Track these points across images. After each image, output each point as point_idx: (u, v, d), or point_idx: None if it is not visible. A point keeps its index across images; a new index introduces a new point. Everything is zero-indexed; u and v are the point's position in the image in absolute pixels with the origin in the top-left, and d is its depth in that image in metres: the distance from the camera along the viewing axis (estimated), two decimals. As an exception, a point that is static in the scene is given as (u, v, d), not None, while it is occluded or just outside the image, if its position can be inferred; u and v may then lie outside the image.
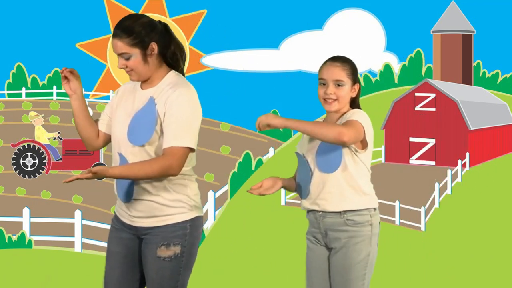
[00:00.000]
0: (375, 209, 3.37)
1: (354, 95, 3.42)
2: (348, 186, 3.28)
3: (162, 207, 3.13)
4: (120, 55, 3.10)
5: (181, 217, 3.15)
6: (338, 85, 3.37)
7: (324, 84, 3.39)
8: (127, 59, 3.08)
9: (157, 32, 3.16)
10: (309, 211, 3.40)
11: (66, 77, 3.24)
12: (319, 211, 3.35)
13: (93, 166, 16.47)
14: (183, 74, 3.22)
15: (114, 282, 3.22)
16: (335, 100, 3.36)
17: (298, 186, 3.43)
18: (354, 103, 3.46)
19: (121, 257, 3.24)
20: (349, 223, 3.29)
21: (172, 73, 3.17)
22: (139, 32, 3.12)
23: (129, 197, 3.17)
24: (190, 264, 3.18)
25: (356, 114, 3.26)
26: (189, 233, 3.15)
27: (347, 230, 3.31)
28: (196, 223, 3.18)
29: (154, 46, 3.14)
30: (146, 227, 3.16)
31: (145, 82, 3.15)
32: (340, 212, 3.29)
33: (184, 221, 3.15)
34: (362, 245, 3.31)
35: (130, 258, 3.22)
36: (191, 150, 3.05)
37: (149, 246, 3.14)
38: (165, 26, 3.24)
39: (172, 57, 3.18)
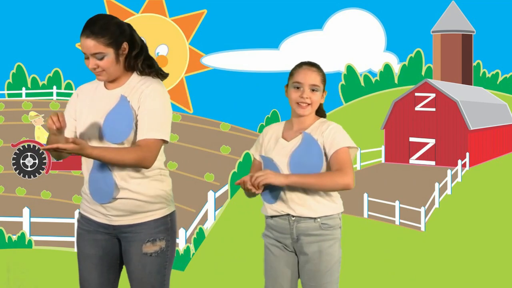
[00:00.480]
0: (341, 212, 3.47)
1: (322, 101, 3.46)
2: (324, 193, 3.30)
3: (143, 204, 3.13)
4: (93, 55, 3.09)
5: (162, 212, 3.18)
6: (313, 90, 3.39)
7: (298, 88, 3.39)
8: (101, 59, 3.08)
9: (127, 32, 3.23)
10: (276, 216, 3.37)
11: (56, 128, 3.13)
12: (294, 216, 3.33)
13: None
14: (156, 71, 3.27)
15: (93, 285, 3.20)
16: (309, 104, 3.37)
17: (266, 190, 3.40)
18: (319, 110, 3.49)
19: (97, 258, 3.21)
20: (323, 227, 3.30)
21: (136, 73, 3.21)
22: (114, 32, 3.16)
23: (107, 198, 3.13)
24: (173, 258, 3.21)
25: (337, 136, 3.26)
26: (170, 227, 3.19)
27: (321, 234, 3.32)
28: (174, 217, 3.22)
29: (125, 46, 3.19)
30: (127, 225, 3.14)
31: (109, 83, 3.15)
32: (315, 217, 3.31)
33: (165, 216, 3.19)
34: (335, 247, 3.33)
35: (106, 259, 3.20)
36: (164, 142, 3.08)
37: (132, 243, 3.13)
38: (129, 26, 3.31)
39: (136, 56, 3.22)
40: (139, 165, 3.03)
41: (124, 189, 3.12)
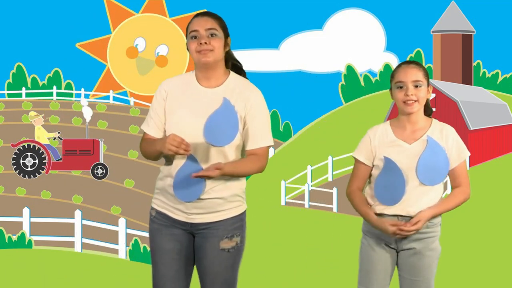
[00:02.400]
0: None
1: (429, 96, 3.46)
2: (438, 195, 3.42)
3: (224, 202, 3.19)
4: (208, 30, 3.14)
5: (238, 210, 3.25)
6: (417, 86, 3.39)
7: (401, 87, 3.39)
8: (213, 35, 3.15)
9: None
10: (387, 216, 3.40)
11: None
12: (405, 216, 3.40)
13: (93, 166, 16.50)
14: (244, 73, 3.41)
15: (170, 279, 3.24)
16: (416, 101, 3.38)
17: (381, 190, 3.41)
18: (426, 106, 3.49)
19: (175, 253, 3.25)
20: (429, 225, 3.40)
21: (234, 73, 3.27)
22: (225, 23, 3.28)
23: (194, 197, 3.15)
24: (243, 252, 3.32)
25: (461, 146, 3.44)
26: (244, 224, 3.29)
27: (426, 232, 3.41)
28: (245, 215, 3.31)
29: (229, 41, 3.28)
30: (205, 223, 3.18)
31: (205, 77, 3.14)
32: None
33: (241, 214, 3.26)
34: (437, 244, 3.45)
35: (184, 253, 3.25)
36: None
37: (210, 239, 3.18)
38: None
39: (234, 60, 3.33)
40: (258, 172, 3.18)
41: (211, 190, 3.16)
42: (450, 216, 14.19)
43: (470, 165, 16.81)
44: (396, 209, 3.39)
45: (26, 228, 12.33)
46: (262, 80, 21.13)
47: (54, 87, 21.54)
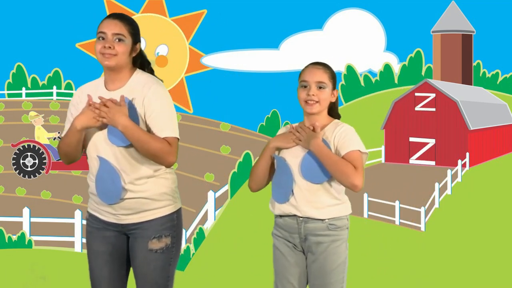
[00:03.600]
0: (349, 214, 3.50)
1: (333, 100, 3.46)
2: (333, 196, 3.33)
3: (150, 202, 3.17)
4: (114, 35, 3.11)
5: (168, 209, 3.23)
6: (320, 87, 3.40)
7: (305, 87, 3.41)
8: (119, 40, 3.12)
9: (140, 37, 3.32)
10: (284, 216, 3.39)
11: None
12: (301, 217, 3.36)
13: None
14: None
15: (104, 281, 3.23)
16: (317, 102, 3.39)
17: (275, 189, 3.42)
18: (332, 110, 3.49)
19: (108, 255, 3.24)
20: (331, 227, 3.33)
21: (139, 71, 3.24)
22: (137, 27, 3.24)
23: (115, 199, 3.14)
24: (178, 254, 3.25)
25: (350, 138, 3.29)
26: (176, 224, 3.24)
27: (329, 235, 3.34)
28: (180, 214, 3.27)
29: (138, 46, 3.25)
30: (134, 223, 3.16)
31: (110, 80, 3.15)
32: (323, 219, 3.35)
33: (171, 213, 3.24)
34: (341, 248, 3.36)
35: (116, 255, 3.24)
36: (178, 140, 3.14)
37: (139, 240, 3.16)
38: None
39: (141, 62, 3.28)
40: (162, 156, 3.08)
41: (131, 189, 3.15)
42: (450, 216, 14.28)
43: (470, 165, 16.81)
44: (289, 208, 3.39)
45: (26, 228, 12.33)
46: (262, 80, 21.13)
47: (54, 87, 21.52)
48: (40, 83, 22.52)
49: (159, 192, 3.16)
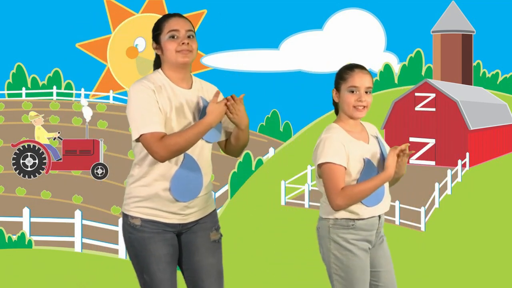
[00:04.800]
0: None
1: None
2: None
3: (209, 197, 3.28)
4: (188, 31, 3.17)
5: (214, 203, 3.36)
6: (366, 92, 3.44)
7: (353, 92, 3.42)
8: (191, 37, 3.17)
9: None
10: (371, 217, 3.42)
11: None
12: (382, 215, 3.53)
13: (93, 166, 16.51)
14: None
15: (168, 283, 3.27)
16: (365, 107, 3.43)
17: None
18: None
19: (169, 257, 3.28)
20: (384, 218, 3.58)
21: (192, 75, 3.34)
22: None
23: (192, 196, 3.20)
24: None
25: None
26: None
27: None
28: None
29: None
30: (195, 220, 3.24)
31: (180, 78, 3.17)
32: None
33: (215, 207, 3.37)
34: None
35: (175, 256, 3.29)
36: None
37: (200, 233, 3.22)
38: None
39: None
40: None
41: (206, 186, 3.22)
42: (450, 216, 14.23)
43: (470, 165, 16.81)
44: (379, 208, 3.44)
45: (26, 228, 12.33)
46: (262, 80, 21.17)
47: (54, 87, 21.54)
48: (40, 83, 22.54)
49: (212, 188, 3.31)
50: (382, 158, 3.46)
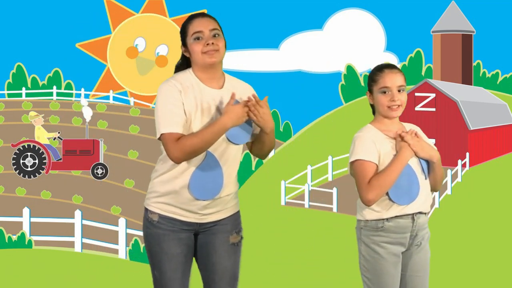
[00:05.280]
0: None
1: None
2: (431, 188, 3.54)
3: (231, 198, 3.24)
4: (212, 30, 3.14)
5: (237, 206, 3.32)
6: (399, 91, 3.44)
7: (385, 92, 3.43)
8: (216, 35, 3.14)
9: None
10: (401, 216, 3.41)
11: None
12: (422, 213, 3.45)
13: (93, 166, 16.50)
14: None
15: (177, 283, 3.27)
16: (399, 106, 3.43)
17: (398, 191, 3.44)
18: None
19: (182, 257, 3.26)
20: (427, 220, 3.51)
21: (224, 73, 3.30)
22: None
23: (212, 195, 3.18)
24: None
25: (424, 138, 3.57)
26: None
27: (427, 227, 3.52)
28: None
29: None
30: (215, 220, 3.22)
31: (210, 78, 3.15)
32: (427, 212, 3.54)
33: (238, 210, 3.33)
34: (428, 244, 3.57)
35: (189, 256, 3.28)
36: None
37: (219, 235, 3.21)
38: None
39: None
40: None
41: (228, 186, 3.20)
42: (450, 216, 14.22)
43: (470, 165, 16.81)
44: (414, 207, 3.42)
45: (26, 228, 12.33)
46: (262, 80, 21.17)
47: (54, 87, 21.55)
48: (40, 83, 22.55)
49: (235, 190, 3.28)
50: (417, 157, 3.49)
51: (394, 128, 3.45)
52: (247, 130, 3.22)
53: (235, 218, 3.33)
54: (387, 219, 3.39)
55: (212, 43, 3.16)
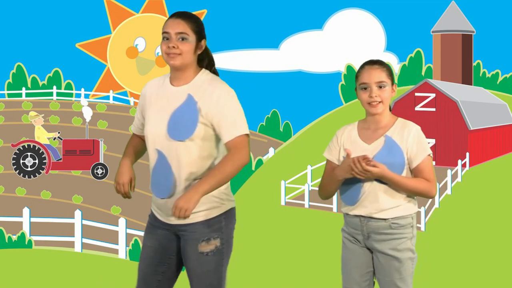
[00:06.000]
0: (415, 213, 3.47)
1: (394, 95, 3.49)
2: (399, 195, 3.35)
3: (197, 204, 3.19)
4: (178, 34, 3.16)
5: (215, 212, 3.22)
6: (381, 87, 3.40)
7: (365, 89, 3.41)
8: (183, 39, 3.16)
9: (205, 34, 3.34)
10: (351, 215, 3.42)
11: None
12: (366, 217, 3.40)
13: (93, 166, 16.49)
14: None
15: (142, 273, 3.34)
16: (380, 102, 3.39)
17: (344, 191, 3.44)
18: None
19: (152, 250, 3.32)
20: (393, 226, 3.36)
21: (204, 71, 3.27)
22: (201, 24, 3.28)
23: (166, 193, 3.19)
24: (229, 254, 3.29)
25: (422, 144, 3.34)
26: (225, 225, 3.23)
27: (392, 233, 3.37)
28: (229, 215, 3.26)
29: (204, 43, 3.28)
30: (181, 224, 3.21)
31: (175, 78, 3.20)
32: (386, 218, 3.37)
33: (219, 215, 3.23)
34: (405, 245, 3.37)
35: (160, 252, 3.29)
36: (248, 136, 3.19)
37: (189, 242, 3.21)
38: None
39: (207, 61, 3.34)
40: (242, 167, 3.18)
41: (180, 186, 3.19)
42: (450, 216, 14.23)
43: (470, 165, 16.82)
44: (360, 210, 3.41)
45: (26, 228, 12.33)
46: (262, 80, 21.17)
47: (54, 87, 21.55)
48: (40, 83, 22.55)
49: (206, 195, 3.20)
50: (379, 161, 3.39)
51: (374, 126, 3.44)
52: (188, 126, 3.22)
53: (207, 226, 3.26)
54: (346, 213, 3.46)
55: (173, 47, 3.21)
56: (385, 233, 3.42)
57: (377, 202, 3.37)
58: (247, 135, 3.22)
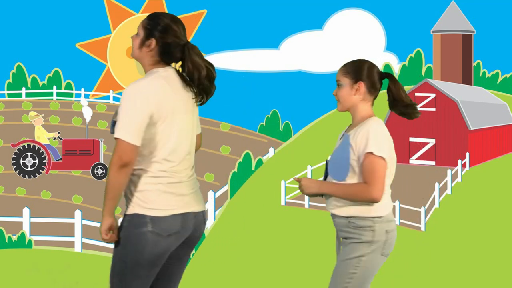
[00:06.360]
0: (380, 217, 3.33)
1: (357, 94, 3.38)
2: None
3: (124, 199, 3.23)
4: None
5: (130, 210, 3.16)
6: (338, 86, 3.41)
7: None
8: (134, 36, 3.40)
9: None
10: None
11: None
12: (332, 214, 3.42)
13: (93, 166, 16.50)
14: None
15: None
16: (338, 100, 3.40)
17: None
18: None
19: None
20: (351, 225, 3.31)
21: (155, 71, 3.34)
22: (154, 23, 3.40)
23: None
24: (127, 261, 3.14)
25: (365, 142, 3.23)
26: (125, 226, 3.12)
27: (349, 232, 3.33)
28: (133, 220, 3.12)
29: (151, 42, 3.34)
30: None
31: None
32: (345, 216, 3.33)
33: (129, 214, 3.14)
34: (355, 248, 3.30)
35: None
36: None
37: None
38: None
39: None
40: (111, 170, 3.19)
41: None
42: (450, 216, 14.22)
43: (470, 165, 16.81)
44: (327, 206, 3.47)
45: (26, 228, 12.33)
46: (262, 80, 21.18)
47: (54, 87, 21.55)
48: (40, 83, 22.55)
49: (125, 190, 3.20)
50: (333, 158, 3.43)
51: (351, 125, 3.47)
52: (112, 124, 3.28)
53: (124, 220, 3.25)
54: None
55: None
56: (345, 230, 3.41)
57: (331, 197, 3.40)
58: (120, 139, 3.18)
